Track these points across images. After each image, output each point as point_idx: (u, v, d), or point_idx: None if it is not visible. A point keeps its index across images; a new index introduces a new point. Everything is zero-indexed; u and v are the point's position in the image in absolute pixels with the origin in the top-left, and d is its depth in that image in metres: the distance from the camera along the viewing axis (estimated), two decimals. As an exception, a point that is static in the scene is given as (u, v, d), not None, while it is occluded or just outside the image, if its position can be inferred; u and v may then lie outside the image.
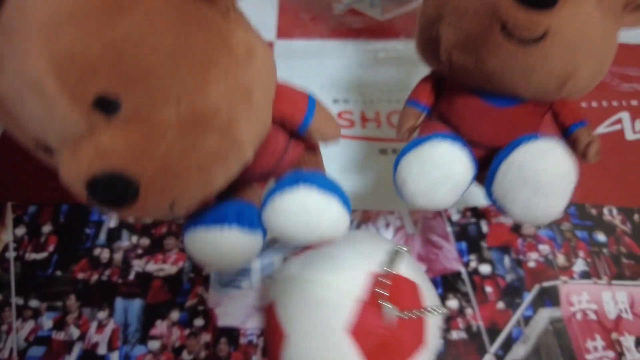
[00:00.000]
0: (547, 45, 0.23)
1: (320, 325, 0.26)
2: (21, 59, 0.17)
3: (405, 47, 0.55)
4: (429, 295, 0.29)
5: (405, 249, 0.29)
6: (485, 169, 0.29)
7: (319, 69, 0.54)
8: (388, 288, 0.27)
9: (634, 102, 0.50)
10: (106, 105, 0.18)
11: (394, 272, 0.28)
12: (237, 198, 0.28)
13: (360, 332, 0.26)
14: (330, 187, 0.26)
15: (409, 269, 0.29)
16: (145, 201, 0.19)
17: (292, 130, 0.27)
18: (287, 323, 0.28)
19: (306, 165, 0.30)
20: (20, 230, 0.40)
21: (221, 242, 0.26)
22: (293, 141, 0.29)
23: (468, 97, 0.29)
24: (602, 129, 0.48)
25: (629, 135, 0.48)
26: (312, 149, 0.30)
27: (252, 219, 0.27)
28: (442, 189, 0.28)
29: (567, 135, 0.29)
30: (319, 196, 0.25)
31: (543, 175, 0.26)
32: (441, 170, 0.27)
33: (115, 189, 0.18)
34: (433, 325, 0.28)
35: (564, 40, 0.23)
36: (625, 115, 0.49)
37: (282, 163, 0.29)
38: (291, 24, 0.58)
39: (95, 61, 0.17)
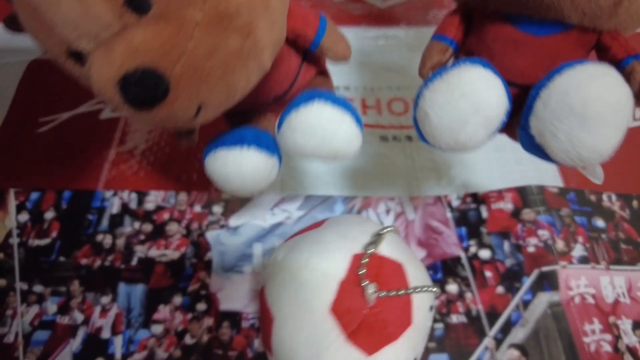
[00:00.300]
0: None
1: (303, 307, 0.27)
2: None
3: (406, 35, 0.55)
4: (415, 275, 0.28)
5: (392, 229, 0.29)
6: (517, 114, 0.25)
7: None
8: (371, 269, 0.27)
9: (634, 89, 0.50)
10: (138, 4, 0.19)
11: (377, 253, 0.28)
12: (253, 126, 0.30)
13: (342, 311, 0.26)
14: (343, 103, 0.26)
15: (394, 250, 0.29)
16: (174, 101, 0.20)
17: (305, 47, 0.28)
18: (274, 307, 0.28)
19: (326, 83, 0.30)
20: (23, 217, 0.41)
21: (241, 162, 0.27)
22: (305, 64, 0.29)
23: (502, 26, 0.25)
24: (602, 115, 0.49)
25: (629, 123, 0.48)
26: (323, 73, 0.31)
27: (269, 143, 0.28)
28: (472, 122, 0.24)
29: (619, 70, 0.24)
30: (333, 111, 0.25)
31: (592, 103, 0.21)
32: (471, 99, 0.23)
33: (146, 84, 0.19)
34: (421, 304, 0.28)
35: None
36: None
37: (295, 86, 0.29)
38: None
39: None
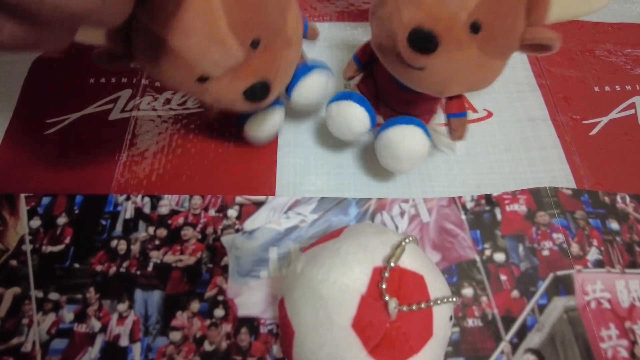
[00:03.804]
0: (425, 73, 0.33)
1: (324, 322, 0.27)
2: (209, 26, 0.28)
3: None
4: (436, 286, 0.29)
5: (412, 240, 0.29)
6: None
7: (329, 51, 0.53)
8: (392, 282, 0.27)
9: (647, 87, 0.49)
10: (254, 44, 0.31)
11: (398, 266, 0.28)
12: None
13: (364, 326, 0.26)
14: (327, 69, 0.42)
15: (415, 262, 0.29)
16: (272, 94, 0.35)
17: None
18: (295, 320, 0.28)
19: (302, 58, 0.43)
20: (35, 223, 0.40)
21: (272, 115, 0.41)
22: None
23: (386, 74, 0.38)
24: (614, 114, 0.48)
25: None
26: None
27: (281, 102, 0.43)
28: (347, 133, 0.41)
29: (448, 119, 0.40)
30: (323, 76, 0.41)
31: (398, 149, 0.38)
32: (346, 122, 0.40)
33: (264, 90, 0.33)
34: (441, 315, 0.28)
35: (436, 75, 0.33)
36: (639, 100, 0.49)
37: None
38: (299, 6, 0.57)
39: (251, 23, 0.30)
